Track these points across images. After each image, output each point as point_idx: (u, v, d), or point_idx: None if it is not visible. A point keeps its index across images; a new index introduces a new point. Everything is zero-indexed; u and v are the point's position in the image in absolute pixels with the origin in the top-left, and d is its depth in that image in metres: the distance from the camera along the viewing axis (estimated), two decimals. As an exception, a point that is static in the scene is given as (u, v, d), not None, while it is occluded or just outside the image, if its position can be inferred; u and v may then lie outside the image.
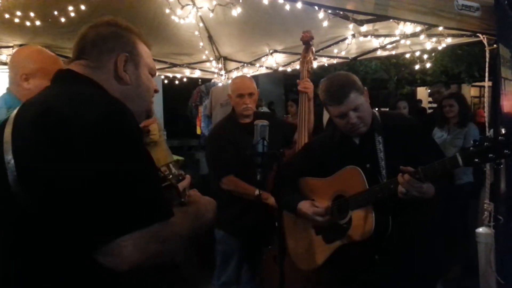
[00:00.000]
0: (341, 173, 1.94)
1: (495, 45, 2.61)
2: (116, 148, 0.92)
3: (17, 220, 0.93)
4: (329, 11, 2.95)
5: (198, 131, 6.10)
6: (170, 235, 0.96)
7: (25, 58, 1.95)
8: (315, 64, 5.00)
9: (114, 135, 0.93)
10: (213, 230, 2.89)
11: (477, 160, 1.57)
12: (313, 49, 2.81)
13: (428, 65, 4.14)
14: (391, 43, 3.87)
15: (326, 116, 5.22)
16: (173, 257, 1.08)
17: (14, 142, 0.96)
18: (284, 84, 13.81)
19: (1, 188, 0.93)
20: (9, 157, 0.94)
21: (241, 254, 2.89)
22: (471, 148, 1.58)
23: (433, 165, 1.65)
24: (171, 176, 1.22)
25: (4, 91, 1.99)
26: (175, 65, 5.14)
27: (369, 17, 3.02)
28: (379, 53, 4.24)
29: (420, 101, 11.58)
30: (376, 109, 2.10)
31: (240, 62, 5.20)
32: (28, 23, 3.50)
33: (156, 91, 1.25)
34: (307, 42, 2.77)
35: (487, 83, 2.91)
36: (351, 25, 3.38)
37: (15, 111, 1.06)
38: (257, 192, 2.52)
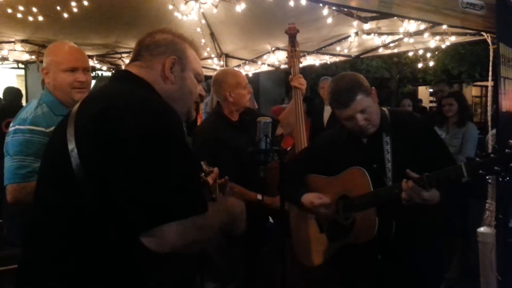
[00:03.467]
0: (346, 173, 1.94)
1: (498, 44, 2.61)
2: (165, 151, 1.04)
3: (76, 201, 1.04)
4: (333, 8, 2.94)
5: (199, 128, 6.09)
6: (205, 225, 1.09)
7: (45, 54, 2.07)
8: (317, 62, 5.03)
9: (164, 139, 1.05)
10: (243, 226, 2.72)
11: (482, 171, 1.54)
12: (298, 43, 2.70)
13: (431, 63, 4.11)
14: (394, 41, 3.86)
15: (326, 115, 5.23)
16: (205, 246, 1.22)
17: (77, 134, 1.08)
18: (286, 82, 13.81)
19: (66, 173, 1.05)
20: (72, 146, 1.06)
21: (246, 261, 2.71)
22: (477, 159, 1.55)
23: (438, 173, 1.63)
24: (203, 174, 1.36)
25: (2, 85, 2.12)
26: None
27: (373, 14, 3.00)
28: (382, 51, 4.23)
29: (421, 100, 11.58)
30: (387, 108, 2.05)
31: (241, 59, 5.19)
32: (30, 18, 3.49)
33: (201, 95, 1.36)
34: (293, 35, 2.67)
35: (490, 83, 2.90)
36: (355, 23, 3.37)
37: (77, 105, 1.18)
38: (259, 197, 2.43)
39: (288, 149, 2.74)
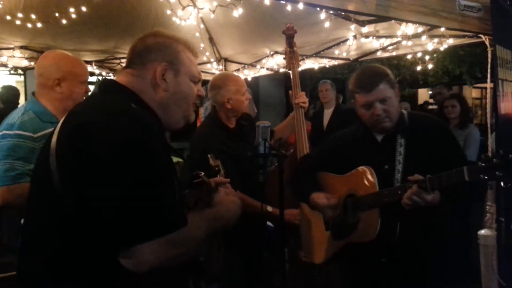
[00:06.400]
0: (355, 172, 1.94)
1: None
2: (138, 169, 1.01)
3: (58, 216, 1.04)
4: (331, 12, 2.94)
5: (199, 133, 6.08)
6: (184, 240, 1.06)
7: (54, 63, 2.01)
8: (316, 66, 5.03)
9: (138, 156, 1.02)
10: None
11: (483, 176, 1.51)
12: (296, 43, 2.61)
13: (430, 66, 4.11)
14: (393, 44, 3.86)
15: (326, 118, 5.23)
16: (193, 255, 1.19)
17: (57, 148, 1.07)
18: (285, 86, 13.80)
19: (48, 188, 1.05)
20: (52, 160, 1.06)
21: (247, 268, 2.64)
22: (479, 163, 1.53)
23: (440, 176, 1.62)
24: (203, 173, 1.32)
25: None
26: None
27: (371, 17, 3.01)
28: (380, 54, 4.23)
29: (427, 102, 11.54)
30: (406, 110, 2.03)
31: (240, 63, 5.19)
32: (29, 25, 3.50)
33: (200, 96, 1.31)
34: (291, 36, 2.57)
35: (489, 85, 2.90)
36: (352, 26, 3.37)
37: (63, 119, 1.16)
38: (269, 209, 2.36)
39: (291, 151, 2.72)
